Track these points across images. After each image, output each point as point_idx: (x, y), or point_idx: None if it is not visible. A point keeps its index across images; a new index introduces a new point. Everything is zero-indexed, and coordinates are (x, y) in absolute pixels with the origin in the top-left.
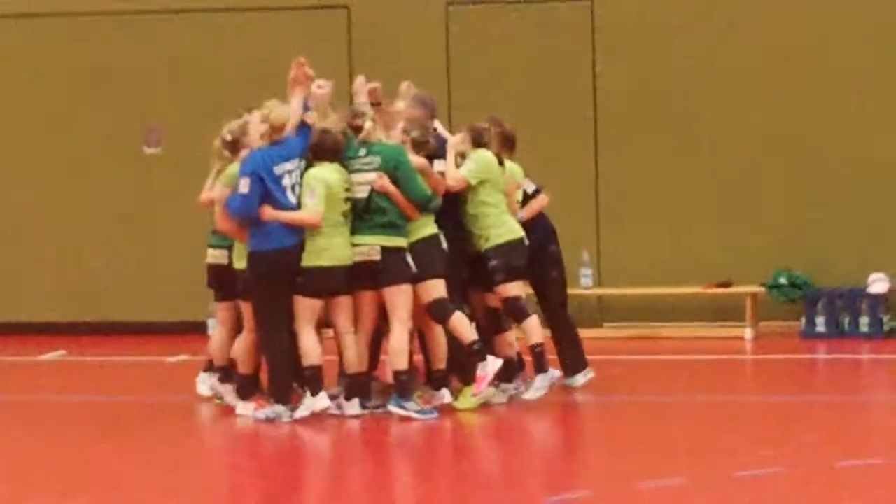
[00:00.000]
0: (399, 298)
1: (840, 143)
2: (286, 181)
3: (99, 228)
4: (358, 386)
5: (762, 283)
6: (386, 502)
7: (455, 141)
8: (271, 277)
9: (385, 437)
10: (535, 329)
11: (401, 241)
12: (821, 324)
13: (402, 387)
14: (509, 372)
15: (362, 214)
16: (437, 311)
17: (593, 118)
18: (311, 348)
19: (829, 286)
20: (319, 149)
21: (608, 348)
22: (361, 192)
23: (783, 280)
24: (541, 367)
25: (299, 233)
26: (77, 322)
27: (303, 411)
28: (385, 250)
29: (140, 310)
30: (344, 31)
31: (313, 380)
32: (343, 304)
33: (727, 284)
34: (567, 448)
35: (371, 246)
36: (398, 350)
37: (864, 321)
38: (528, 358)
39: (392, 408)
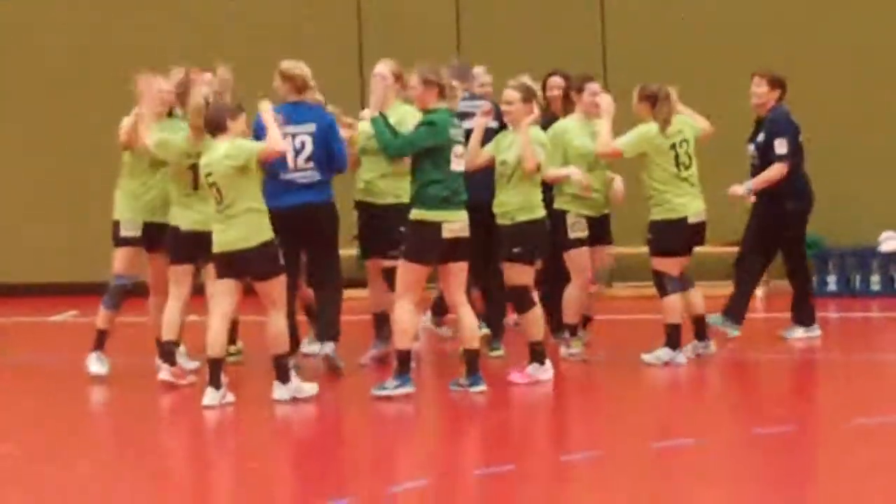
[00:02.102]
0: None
1: (849, 102)
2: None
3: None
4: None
5: None
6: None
7: (607, 104)
8: None
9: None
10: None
11: None
12: (832, 282)
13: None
14: (700, 330)
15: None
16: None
17: (603, 83)
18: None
19: (840, 245)
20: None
21: (621, 307)
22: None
23: None
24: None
25: None
26: (88, 283)
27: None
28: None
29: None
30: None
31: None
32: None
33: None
34: (578, 409)
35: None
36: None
37: (876, 280)
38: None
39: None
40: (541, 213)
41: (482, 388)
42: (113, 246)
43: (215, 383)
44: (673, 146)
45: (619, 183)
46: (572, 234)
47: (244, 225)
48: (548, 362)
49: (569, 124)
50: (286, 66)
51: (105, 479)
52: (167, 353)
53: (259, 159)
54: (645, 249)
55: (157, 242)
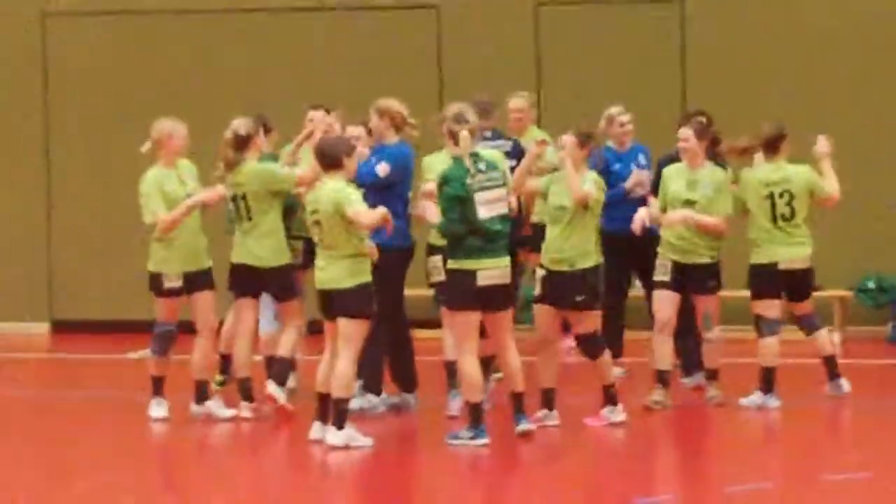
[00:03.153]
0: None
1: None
2: None
3: None
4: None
5: (850, 287)
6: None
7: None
8: None
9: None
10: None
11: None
12: None
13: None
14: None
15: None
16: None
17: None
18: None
19: None
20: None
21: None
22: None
23: (871, 284)
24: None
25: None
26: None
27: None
28: None
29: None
30: (434, 31)
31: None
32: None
33: (816, 288)
34: (651, 451)
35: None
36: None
37: None
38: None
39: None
40: (598, 258)
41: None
42: (155, 296)
43: (339, 424)
44: (770, 196)
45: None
46: (654, 277)
47: (343, 268)
48: (620, 405)
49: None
50: (383, 104)
51: None
52: (246, 389)
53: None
54: (723, 293)
55: (197, 286)
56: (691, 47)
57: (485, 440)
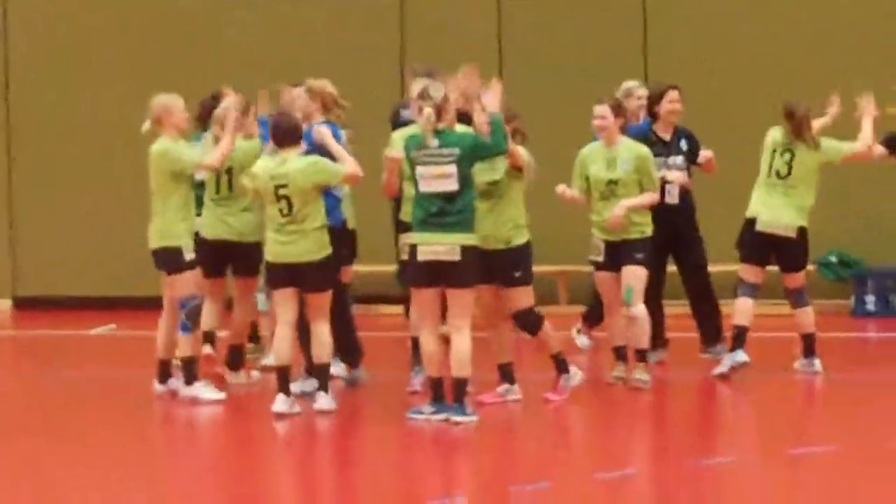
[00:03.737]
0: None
1: (891, 123)
2: None
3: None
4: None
5: (813, 261)
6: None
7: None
8: None
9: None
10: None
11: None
12: (871, 302)
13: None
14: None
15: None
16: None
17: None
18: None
19: (879, 265)
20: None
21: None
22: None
23: (833, 258)
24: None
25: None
26: (126, 296)
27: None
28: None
29: None
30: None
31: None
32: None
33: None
34: (615, 426)
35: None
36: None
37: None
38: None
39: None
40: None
41: (465, 418)
42: (172, 272)
43: (326, 387)
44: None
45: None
46: (589, 257)
47: (312, 240)
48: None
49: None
50: (315, 84)
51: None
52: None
53: (341, 182)
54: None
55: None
56: (653, 31)
57: (472, 417)
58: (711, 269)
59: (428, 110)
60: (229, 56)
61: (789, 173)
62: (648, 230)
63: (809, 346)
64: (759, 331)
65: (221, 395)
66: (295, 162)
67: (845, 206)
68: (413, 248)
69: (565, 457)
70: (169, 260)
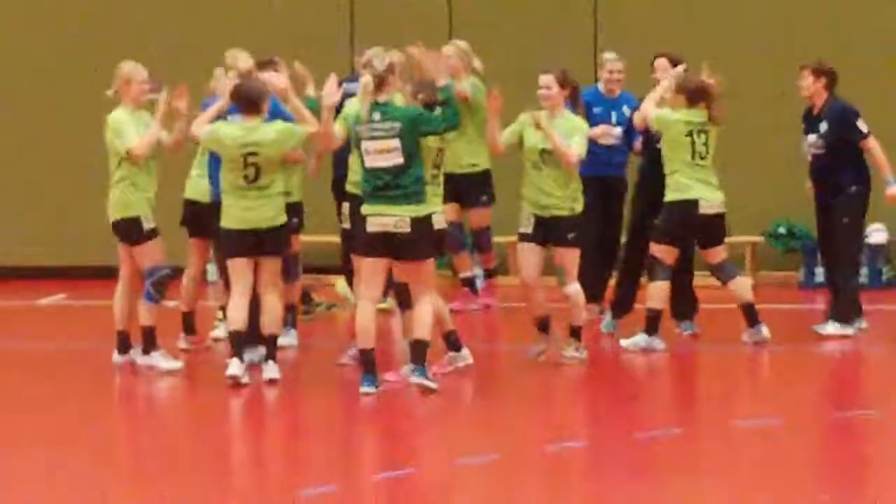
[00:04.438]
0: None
1: (839, 93)
2: None
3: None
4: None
5: (761, 232)
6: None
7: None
8: None
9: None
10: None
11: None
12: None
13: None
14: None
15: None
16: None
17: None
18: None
19: None
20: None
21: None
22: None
23: (782, 230)
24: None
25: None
26: (76, 266)
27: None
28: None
29: None
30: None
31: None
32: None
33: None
34: (562, 400)
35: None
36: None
37: (863, 272)
38: None
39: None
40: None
41: (424, 382)
42: (134, 244)
43: (239, 355)
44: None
45: None
46: (519, 229)
47: (276, 206)
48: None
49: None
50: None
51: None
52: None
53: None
54: None
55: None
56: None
57: (433, 384)
58: None
59: (367, 78)
60: (179, 41)
61: (708, 152)
62: (579, 207)
63: (752, 314)
64: (710, 303)
65: (178, 365)
66: (266, 130)
67: (794, 177)
68: (363, 218)
69: (513, 428)
70: (128, 231)
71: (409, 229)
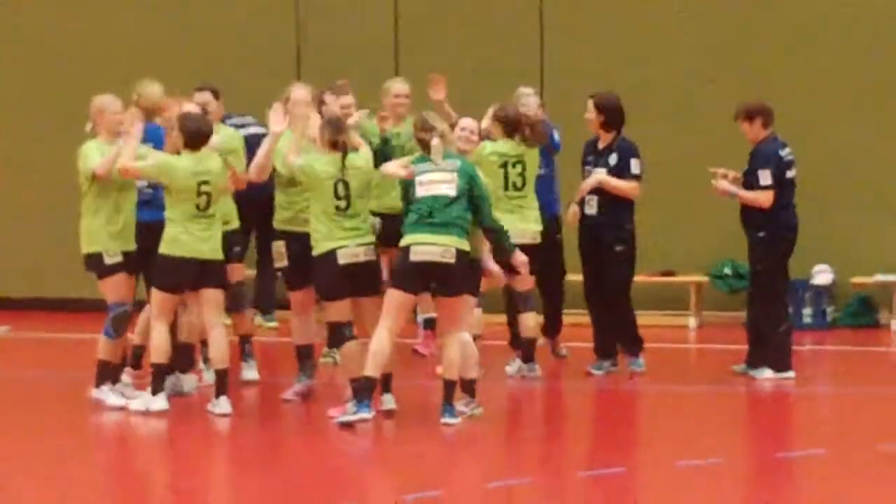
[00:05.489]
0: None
1: (787, 136)
2: None
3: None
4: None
5: (706, 272)
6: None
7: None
8: None
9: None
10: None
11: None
12: None
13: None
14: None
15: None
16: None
17: (539, 91)
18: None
19: None
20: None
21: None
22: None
23: (727, 270)
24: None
25: None
26: (23, 298)
27: (137, 405)
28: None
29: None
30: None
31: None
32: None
33: (671, 273)
34: (507, 436)
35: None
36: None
37: (808, 312)
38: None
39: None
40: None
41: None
42: (98, 276)
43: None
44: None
45: None
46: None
47: (219, 237)
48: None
49: None
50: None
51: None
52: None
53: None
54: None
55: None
56: (549, 19)
57: (366, 414)
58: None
59: (436, 141)
60: (124, 58)
61: (525, 183)
62: None
63: (531, 350)
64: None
65: (124, 402)
66: (213, 160)
67: (738, 217)
68: (405, 249)
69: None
70: (91, 265)
71: (454, 260)
